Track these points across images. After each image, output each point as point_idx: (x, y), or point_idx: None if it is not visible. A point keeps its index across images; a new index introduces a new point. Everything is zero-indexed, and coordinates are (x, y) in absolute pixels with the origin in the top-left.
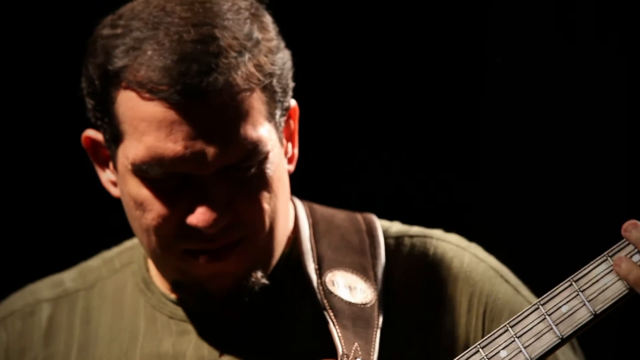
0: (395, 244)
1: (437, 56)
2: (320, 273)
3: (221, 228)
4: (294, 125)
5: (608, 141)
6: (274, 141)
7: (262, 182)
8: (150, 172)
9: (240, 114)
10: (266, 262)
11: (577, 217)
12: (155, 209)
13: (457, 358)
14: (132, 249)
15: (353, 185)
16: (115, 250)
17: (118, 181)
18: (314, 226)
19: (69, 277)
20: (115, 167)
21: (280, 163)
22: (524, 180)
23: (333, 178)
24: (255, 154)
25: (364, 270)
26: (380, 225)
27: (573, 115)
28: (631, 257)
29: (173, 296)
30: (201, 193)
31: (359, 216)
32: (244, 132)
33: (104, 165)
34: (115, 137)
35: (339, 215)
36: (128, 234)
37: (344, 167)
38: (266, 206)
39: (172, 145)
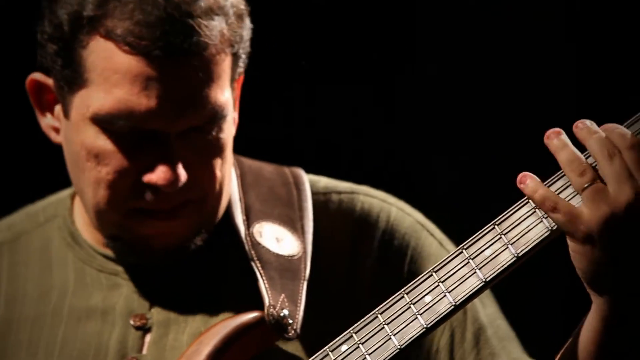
0: (323, 200)
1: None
2: (248, 224)
3: (179, 188)
4: (238, 90)
5: (528, 84)
6: (231, 106)
7: (218, 147)
8: (114, 124)
9: (214, 77)
10: (211, 224)
11: (499, 163)
12: (112, 163)
13: (383, 304)
14: (57, 202)
15: (282, 142)
16: (39, 205)
17: (65, 128)
18: (242, 177)
19: None
20: (65, 114)
21: (231, 128)
22: (449, 130)
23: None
24: (219, 118)
25: (291, 222)
26: (308, 179)
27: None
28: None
29: (102, 249)
30: (165, 152)
31: (286, 169)
32: (214, 94)
33: (46, 110)
34: (74, 83)
35: (267, 168)
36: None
37: (271, 120)
38: (218, 171)
39: (146, 100)
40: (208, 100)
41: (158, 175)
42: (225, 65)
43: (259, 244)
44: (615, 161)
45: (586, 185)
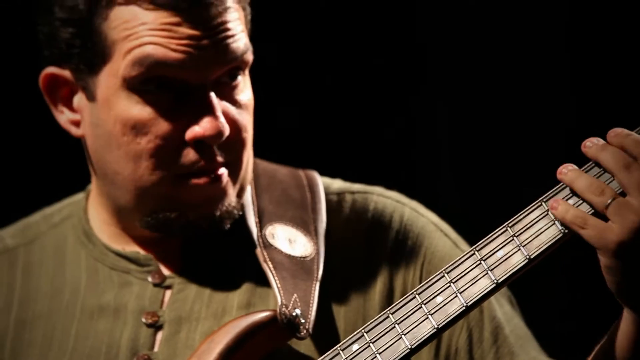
0: (336, 200)
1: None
2: (261, 226)
3: (221, 142)
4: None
5: (543, 89)
6: (250, 56)
7: (245, 106)
8: (147, 83)
9: (233, 24)
10: (240, 196)
11: (513, 167)
12: (152, 129)
13: (394, 304)
14: (72, 204)
15: (295, 146)
16: (55, 207)
17: (90, 114)
18: (256, 180)
19: (8, 234)
20: (90, 98)
21: (251, 92)
22: (463, 133)
23: (274, 136)
24: (244, 60)
25: (304, 224)
26: (322, 181)
27: (510, 63)
28: (567, 200)
29: (115, 247)
30: (204, 103)
31: (300, 172)
32: (236, 38)
33: (63, 105)
34: (97, 62)
35: (281, 171)
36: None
37: (284, 124)
38: (246, 133)
39: (173, 52)
40: (231, 42)
41: (204, 126)
42: (240, 15)
43: (272, 245)
44: (634, 171)
45: (608, 202)
